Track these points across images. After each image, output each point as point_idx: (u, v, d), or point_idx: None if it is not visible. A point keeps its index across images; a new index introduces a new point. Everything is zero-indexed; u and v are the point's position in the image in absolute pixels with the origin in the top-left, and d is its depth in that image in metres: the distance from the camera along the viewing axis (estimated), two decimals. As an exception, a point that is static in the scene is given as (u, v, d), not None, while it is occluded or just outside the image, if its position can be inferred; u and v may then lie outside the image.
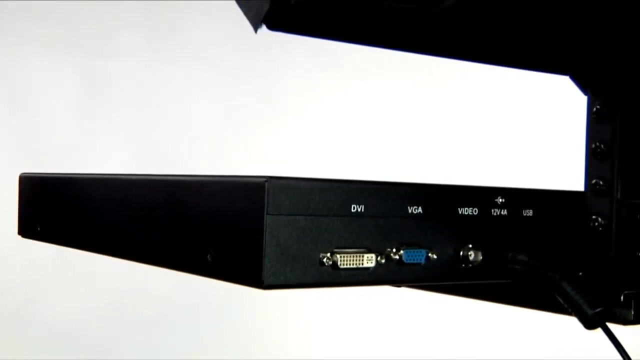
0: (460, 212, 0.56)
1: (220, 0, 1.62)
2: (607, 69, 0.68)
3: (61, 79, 1.87)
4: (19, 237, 0.77)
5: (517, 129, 1.91)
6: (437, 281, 0.55)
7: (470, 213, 0.56)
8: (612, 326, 0.56)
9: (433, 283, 0.58)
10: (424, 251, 0.54)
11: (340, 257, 0.50)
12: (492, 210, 0.58)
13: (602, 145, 0.67)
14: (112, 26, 1.88)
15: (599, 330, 0.56)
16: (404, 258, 0.52)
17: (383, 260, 0.52)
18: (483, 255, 0.56)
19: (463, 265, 0.56)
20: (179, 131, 1.92)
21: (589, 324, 0.56)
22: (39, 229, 0.74)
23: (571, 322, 0.58)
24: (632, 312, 0.61)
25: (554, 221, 0.61)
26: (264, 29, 0.53)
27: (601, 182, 0.67)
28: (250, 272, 0.48)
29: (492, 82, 1.82)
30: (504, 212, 0.58)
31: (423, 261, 0.54)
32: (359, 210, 0.51)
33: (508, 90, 1.86)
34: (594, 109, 0.68)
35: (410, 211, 0.53)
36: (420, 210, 0.54)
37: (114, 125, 1.90)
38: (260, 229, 0.48)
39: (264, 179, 0.48)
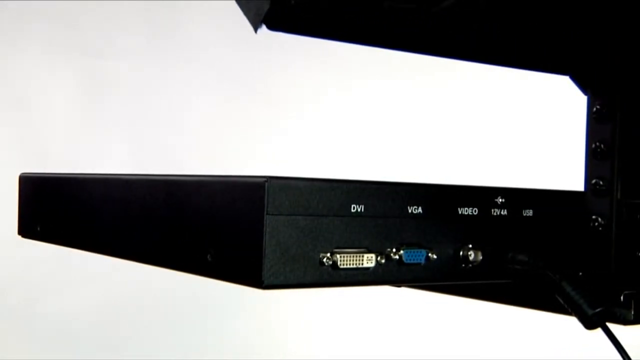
0: (460, 212, 0.56)
1: (220, 0, 1.62)
2: (607, 69, 0.68)
3: (61, 79, 1.87)
4: (19, 237, 0.77)
5: (517, 129, 1.91)
6: (437, 281, 0.55)
7: (470, 213, 0.56)
8: (612, 326, 0.56)
9: (433, 283, 0.58)
10: (424, 251, 0.54)
11: (340, 257, 0.50)
12: (492, 210, 0.58)
13: (602, 145, 0.67)
14: (112, 26, 1.88)
15: (599, 330, 0.56)
16: (404, 258, 0.52)
17: (383, 260, 0.52)
18: (483, 255, 0.56)
19: (463, 265, 0.56)
20: (179, 131, 1.92)
21: (589, 324, 0.56)
22: (39, 229, 0.74)
23: (571, 322, 0.58)
24: (632, 312, 0.61)
25: (554, 221, 0.61)
26: (264, 29, 0.53)
27: (601, 182, 0.67)
28: (250, 272, 0.48)
29: (492, 82, 1.82)
30: (504, 212, 0.58)
31: (423, 261, 0.54)
32: (359, 210, 0.51)
33: (508, 90, 1.86)
34: (594, 109, 0.68)
35: (410, 211, 0.53)
36: (420, 210, 0.54)
37: (114, 125, 1.90)
38: (260, 229, 0.48)
39: (264, 179, 0.48)
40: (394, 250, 0.52)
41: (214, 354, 1.84)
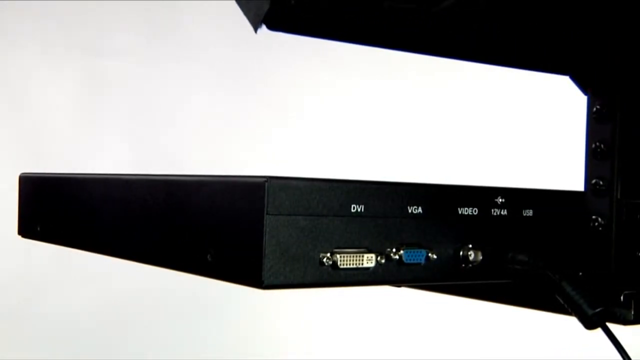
0: (460, 212, 0.56)
1: (220, 0, 1.62)
2: (607, 69, 0.68)
3: (61, 79, 1.87)
4: (19, 237, 0.77)
5: (517, 129, 1.91)
6: (437, 281, 0.55)
7: (470, 213, 0.56)
8: (612, 326, 0.56)
9: (433, 283, 0.58)
10: (424, 251, 0.54)
11: (340, 257, 0.50)
12: (492, 210, 0.58)
13: (602, 145, 0.67)
14: (111, 26, 1.88)
15: (599, 330, 0.56)
16: (404, 258, 0.52)
17: (383, 260, 0.52)
18: (483, 255, 0.56)
19: (463, 265, 0.56)
20: (179, 131, 1.92)
21: (589, 324, 0.56)
22: (39, 229, 0.74)
23: (571, 322, 0.58)
24: (632, 312, 0.61)
25: (554, 221, 0.61)
26: (264, 29, 0.53)
27: (601, 182, 0.67)
28: (250, 272, 0.48)
29: (492, 82, 1.82)
30: (504, 212, 0.58)
31: (423, 261, 0.54)
32: (359, 210, 0.51)
33: (508, 90, 1.86)
34: (594, 109, 0.68)
35: (410, 211, 0.53)
36: (420, 210, 0.54)
37: (114, 125, 1.90)
38: (260, 229, 0.48)
39: (264, 179, 0.48)
40: (394, 250, 0.52)
41: (214, 354, 1.84)
